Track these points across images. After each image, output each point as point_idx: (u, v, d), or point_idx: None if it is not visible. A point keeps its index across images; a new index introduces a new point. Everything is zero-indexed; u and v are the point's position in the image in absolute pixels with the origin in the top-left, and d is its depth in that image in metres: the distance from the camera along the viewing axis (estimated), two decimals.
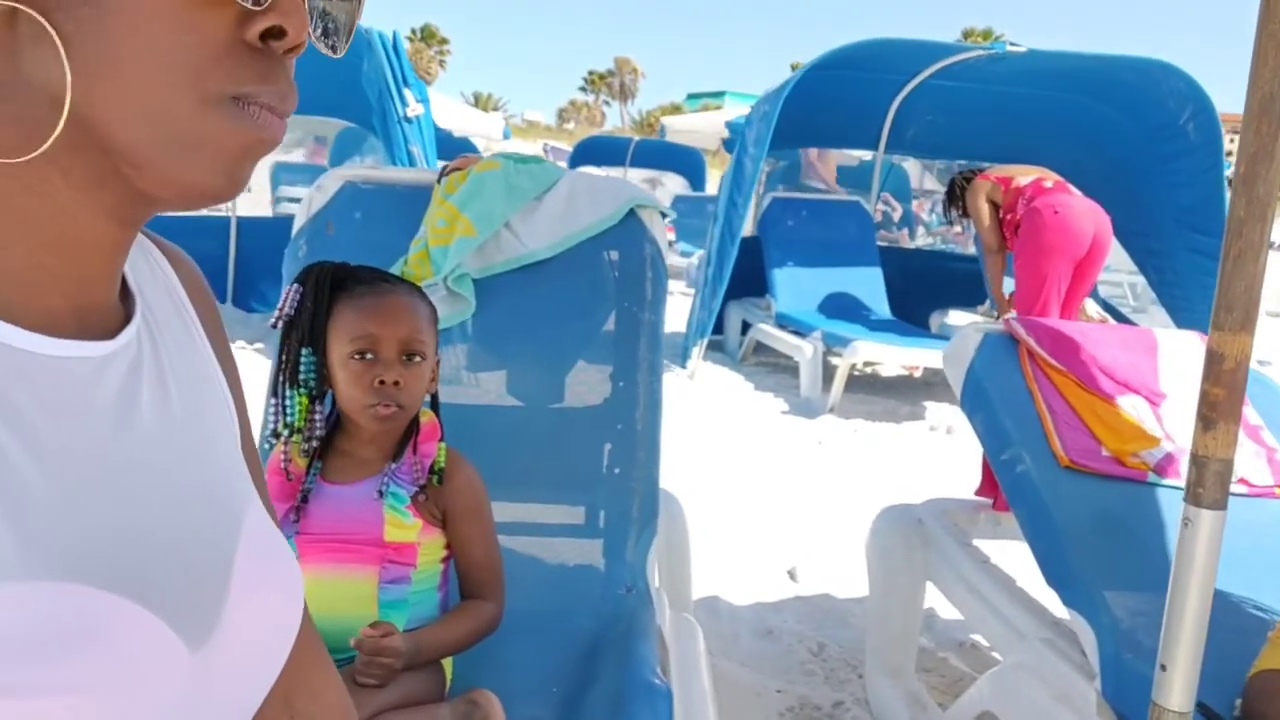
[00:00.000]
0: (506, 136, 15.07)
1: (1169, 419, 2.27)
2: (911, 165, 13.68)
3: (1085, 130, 6.09)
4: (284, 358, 1.40)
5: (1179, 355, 2.44)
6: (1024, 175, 4.58)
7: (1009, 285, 5.80)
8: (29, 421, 0.50)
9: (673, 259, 10.51)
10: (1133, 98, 5.81)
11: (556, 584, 1.96)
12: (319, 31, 0.58)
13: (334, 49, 0.59)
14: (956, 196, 4.78)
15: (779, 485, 4.14)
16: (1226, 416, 1.26)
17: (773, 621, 2.82)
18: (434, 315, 1.46)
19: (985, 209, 4.62)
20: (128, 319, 0.60)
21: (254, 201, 9.68)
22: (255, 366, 5.03)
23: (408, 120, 5.38)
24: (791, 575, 3.17)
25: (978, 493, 2.83)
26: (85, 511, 0.52)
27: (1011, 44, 5.77)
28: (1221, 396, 1.26)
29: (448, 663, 1.51)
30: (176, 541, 0.58)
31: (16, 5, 0.47)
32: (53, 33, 0.47)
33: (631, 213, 2.23)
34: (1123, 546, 2.00)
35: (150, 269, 0.67)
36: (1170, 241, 5.90)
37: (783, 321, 6.26)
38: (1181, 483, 2.13)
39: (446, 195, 2.17)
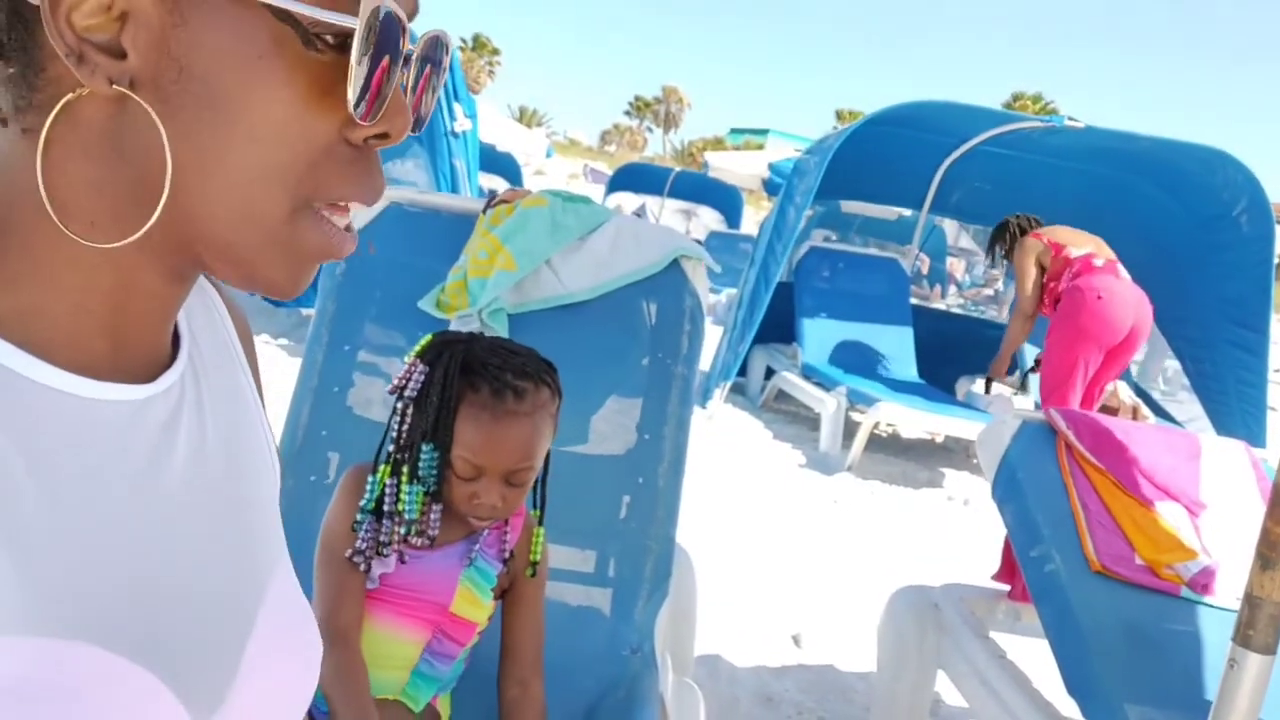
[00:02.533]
0: (549, 155, 15.12)
1: (1207, 531, 2.20)
2: (949, 224, 13.63)
3: (1136, 212, 6.03)
4: (403, 440, 1.30)
5: (1223, 464, 2.36)
6: (1078, 246, 4.47)
7: (1029, 351, 5.75)
8: (53, 465, 0.48)
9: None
10: (1187, 184, 5.74)
11: (560, 636, 1.89)
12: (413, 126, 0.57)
13: (416, 130, 0.58)
14: (1005, 240, 4.67)
15: (790, 543, 4.06)
16: None
17: (774, 688, 2.75)
18: (555, 424, 1.35)
19: (1032, 271, 4.50)
20: (174, 362, 0.58)
21: None
22: (277, 363, 5.00)
23: (454, 135, 5.37)
24: (796, 641, 3.10)
25: (995, 577, 2.75)
26: (101, 565, 0.49)
27: (1070, 119, 5.72)
28: None
29: (444, 707, 1.46)
30: (196, 601, 0.55)
31: (128, 93, 0.47)
32: (160, 127, 0.47)
33: (675, 262, 2.19)
34: (1151, 662, 1.93)
35: (207, 313, 0.66)
36: (1212, 332, 5.82)
37: (808, 372, 6.20)
38: (1216, 600, 2.07)
39: (491, 227, 2.14)
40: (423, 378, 1.28)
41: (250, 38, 0.47)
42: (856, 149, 5.98)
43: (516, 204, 2.16)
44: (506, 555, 1.39)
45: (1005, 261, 4.73)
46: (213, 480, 0.58)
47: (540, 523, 1.42)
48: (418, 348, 1.32)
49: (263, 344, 5.78)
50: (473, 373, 1.28)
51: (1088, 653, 1.93)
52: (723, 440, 5.59)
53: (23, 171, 0.49)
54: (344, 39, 0.49)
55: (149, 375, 0.55)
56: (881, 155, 6.51)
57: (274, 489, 0.67)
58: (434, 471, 1.29)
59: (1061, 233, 4.57)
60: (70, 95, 0.47)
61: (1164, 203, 5.97)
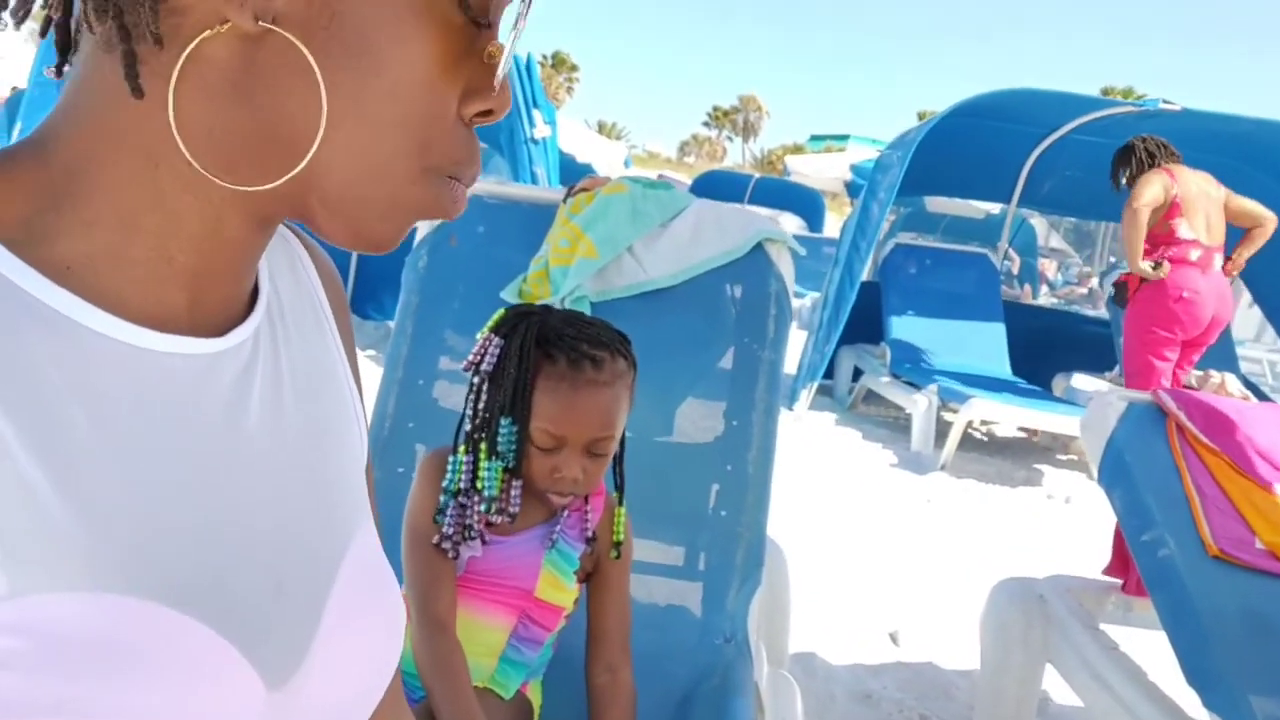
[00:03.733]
0: (627, 165, 15.18)
1: None
2: (1039, 222, 13.29)
3: None
4: (479, 416, 1.28)
5: None
6: (1191, 221, 4.29)
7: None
8: (119, 419, 0.46)
9: None
10: None
11: (651, 626, 1.86)
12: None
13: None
14: (1131, 165, 4.41)
15: (884, 541, 3.97)
16: None
17: (872, 685, 2.67)
18: (631, 395, 1.33)
19: (1144, 213, 4.27)
20: (250, 314, 0.56)
21: None
22: (365, 374, 5.06)
23: (534, 141, 5.41)
24: (893, 639, 3.01)
25: (1106, 572, 2.64)
26: (169, 522, 0.47)
27: (1165, 101, 5.51)
28: None
29: (535, 694, 1.44)
30: (269, 563, 0.52)
31: (277, 30, 0.46)
32: (316, 71, 0.46)
33: (759, 246, 2.15)
34: (1275, 650, 1.81)
35: (291, 266, 0.64)
36: None
37: (897, 371, 6.07)
38: None
39: (571, 215, 2.12)
40: (498, 351, 1.26)
41: (410, 3, 0.47)
42: (940, 142, 5.86)
43: (597, 192, 2.14)
44: (589, 535, 1.36)
45: (1128, 187, 4.44)
46: (288, 438, 0.56)
47: (620, 503, 1.38)
48: (491, 321, 1.30)
49: None
50: (549, 344, 1.25)
51: (1207, 641, 1.82)
52: (812, 442, 5.51)
53: (117, 107, 0.47)
54: (484, 9, 0.50)
55: (223, 328, 0.53)
56: (966, 148, 6.36)
57: (359, 453, 0.65)
58: (513, 446, 1.26)
59: (1188, 184, 4.31)
60: (208, 32, 0.45)
61: (1268, 185, 5.71)
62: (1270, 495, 2.08)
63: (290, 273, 0.63)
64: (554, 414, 1.24)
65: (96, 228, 0.47)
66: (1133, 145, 4.45)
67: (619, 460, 1.37)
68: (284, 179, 0.48)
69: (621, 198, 2.14)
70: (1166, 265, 4.29)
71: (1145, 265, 4.27)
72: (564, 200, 2.17)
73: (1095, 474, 2.24)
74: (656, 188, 2.23)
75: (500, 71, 0.52)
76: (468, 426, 1.30)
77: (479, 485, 1.27)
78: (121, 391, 0.47)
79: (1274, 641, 1.82)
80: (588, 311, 2.05)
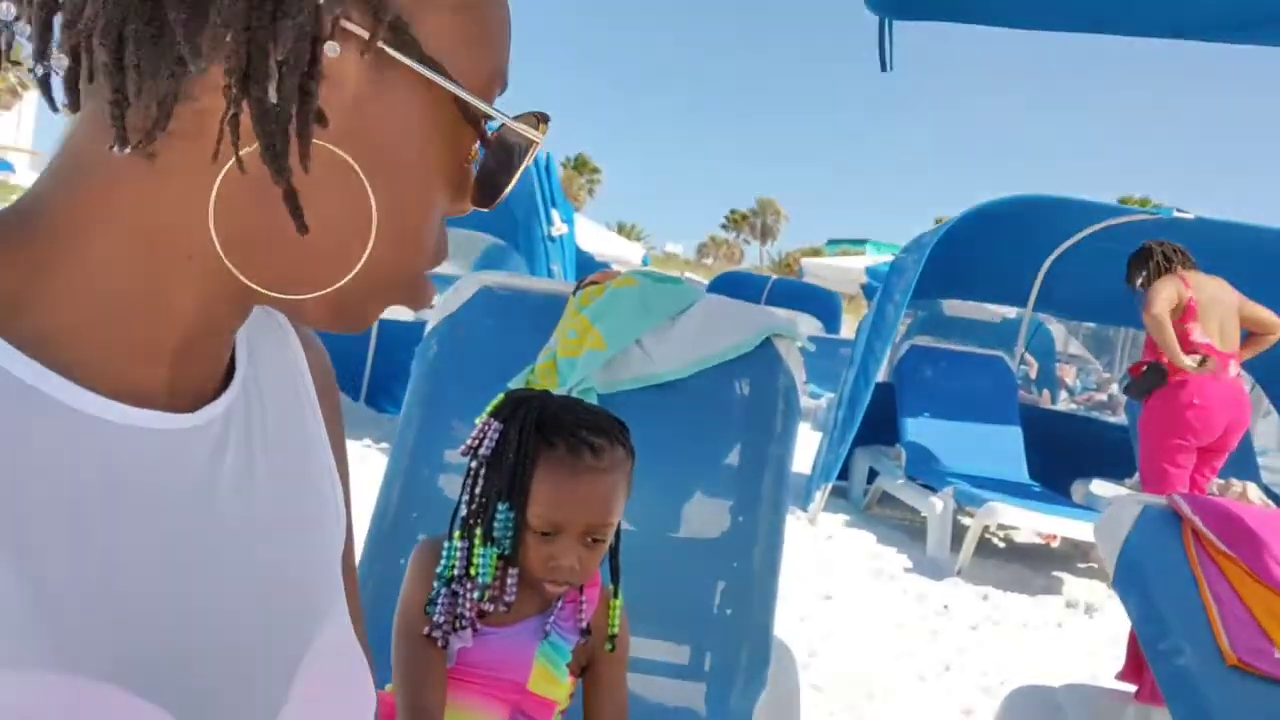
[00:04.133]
0: (645, 263, 15.37)
1: None
2: (1058, 329, 13.30)
3: None
4: (476, 501, 1.27)
5: None
6: (1204, 324, 4.30)
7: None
8: (85, 493, 0.46)
9: (802, 399, 10.35)
10: None
11: None
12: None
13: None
14: (1147, 270, 4.42)
15: (899, 650, 3.87)
16: None
17: None
18: (629, 484, 1.31)
19: (1165, 314, 4.27)
20: (223, 391, 0.56)
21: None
22: (381, 468, 5.06)
23: (551, 239, 5.49)
24: None
25: (1120, 677, 2.56)
26: (127, 599, 0.46)
27: (1179, 210, 5.56)
28: None
29: None
30: (232, 646, 0.51)
31: (334, 148, 0.48)
32: (366, 184, 0.49)
33: (767, 341, 2.15)
34: None
35: (280, 351, 0.64)
36: None
37: (913, 473, 6.01)
38: None
39: (581, 307, 2.14)
40: (497, 436, 1.25)
41: (433, 118, 0.51)
42: (955, 246, 5.91)
43: (607, 284, 2.16)
44: (584, 627, 1.33)
45: (1143, 290, 4.45)
46: (259, 518, 0.55)
47: (616, 594, 1.36)
48: (490, 407, 1.29)
49: (365, 448, 5.89)
50: (549, 429, 1.24)
51: None
52: (826, 544, 5.42)
53: (119, 185, 0.47)
54: (485, 117, 0.54)
55: (196, 403, 0.53)
56: (981, 252, 6.41)
57: (336, 538, 0.64)
58: (509, 533, 1.24)
59: (1202, 289, 4.34)
60: (254, 147, 0.46)
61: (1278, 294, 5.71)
62: None
63: (277, 351, 0.63)
64: (552, 500, 1.22)
65: (82, 300, 0.47)
66: (1149, 248, 4.48)
67: (615, 550, 1.35)
68: (334, 286, 0.50)
69: (631, 291, 2.16)
70: (1213, 360, 4.29)
71: (1189, 360, 4.27)
72: (574, 292, 2.19)
73: (1111, 579, 2.19)
74: (666, 281, 2.25)
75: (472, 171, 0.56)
76: (463, 512, 1.28)
77: (473, 571, 1.25)
78: (86, 465, 0.46)
79: None
80: (595, 403, 2.05)
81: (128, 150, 0.45)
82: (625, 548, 2.01)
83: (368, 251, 0.50)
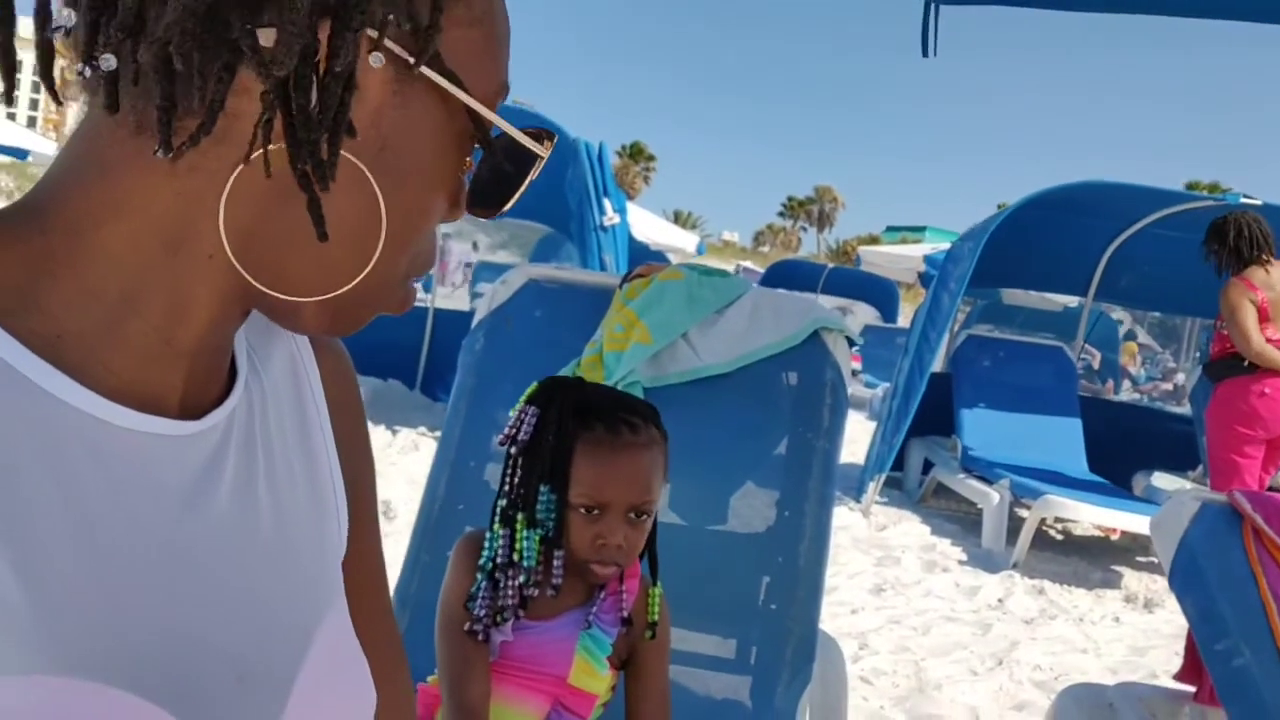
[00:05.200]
0: (700, 252, 15.31)
1: None
2: (1123, 316, 13.02)
3: None
4: (517, 489, 1.28)
5: None
6: (1276, 321, 4.20)
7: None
8: (89, 496, 0.46)
9: (856, 389, 10.25)
10: None
11: (700, 715, 1.81)
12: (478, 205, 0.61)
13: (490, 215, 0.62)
14: (1222, 257, 4.31)
15: (950, 640, 3.83)
16: None
17: None
18: (665, 467, 1.33)
19: (1247, 312, 4.20)
20: (226, 397, 0.56)
21: (453, 295, 10.11)
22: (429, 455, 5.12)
23: (603, 229, 5.49)
24: None
25: (1178, 677, 2.51)
26: (128, 602, 0.47)
27: (1246, 196, 5.40)
28: None
29: None
30: (233, 647, 0.52)
31: (350, 156, 0.49)
32: (379, 191, 0.51)
33: (815, 335, 2.14)
34: None
35: (289, 358, 0.65)
36: None
37: (969, 465, 5.93)
38: None
39: (627, 300, 2.14)
40: (535, 421, 1.26)
41: (448, 129, 0.52)
42: (1015, 234, 5.81)
43: (653, 277, 2.16)
44: (624, 617, 1.34)
45: (1215, 264, 4.34)
46: (258, 523, 0.56)
47: (655, 583, 1.36)
48: (526, 394, 1.31)
49: (417, 435, 5.96)
50: (585, 411, 1.26)
51: None
52: (879, 535, 5.38)
53: (134, 186, 0.48)
54: (489, 125, 0.55)
55: (199, 409, 0.54)
56: (1042, 240, 6.30)
57: (336, 544, 0.65)
58: (552, 515, 1.26)
59: (1274, 283, 4.22)
60: (274, 146, 0.47)
61: None
62: None
63: (280, 356, 0.63)
64: (595, 478, 1.24)
65: (96, 300, 0.48)
66: (1228, 225, 4.33)
67: (652, 540, 1.36)
68: (337, 292, 0.52)
69: (678, 284, 2.16)
70: None
71: (1270, 350, 4.17)
72: (620, 286, 2.19)
73: (1168, 577, 2.15)
74: (713, 274, 2.24)
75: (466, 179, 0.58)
76: (503, 502, 1.29)
77: (517, 556, 1.26)
78: (88, 467, 0.47)
79: None
80: (640, 397, 2.05)
81: (169, 155, 0.45)
82: (672, 541, 2.01)
83: (375, 258, 0.51)
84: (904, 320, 14.81)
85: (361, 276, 0.51)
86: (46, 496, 0.45)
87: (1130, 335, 14.14)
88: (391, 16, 0.47)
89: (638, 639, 1.36)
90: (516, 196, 0.59)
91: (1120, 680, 2.39)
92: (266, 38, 0.44)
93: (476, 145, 0.55)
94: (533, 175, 0.58)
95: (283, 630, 0.56)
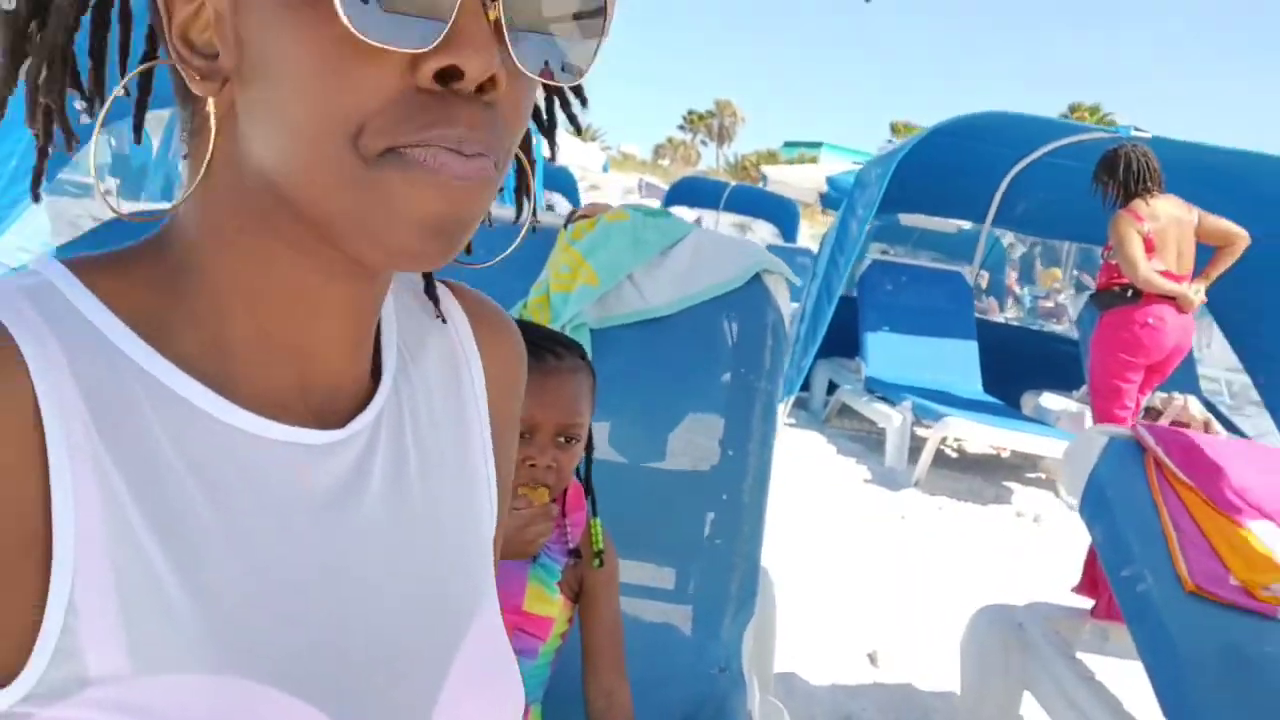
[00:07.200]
0: (605, 169, 15.17)
1: None
2: (1007, 235, 13.45)
3: None
4: None
5: None
6: (1162, 253, 4.43)
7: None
8: (237, 503, 0.49)
9: None
10: (1257, 195, 5.61)
11: (647, 653, 1.88)
12: (548, 64, 0.51)
13: (577, 76, 0.53)
14: (1110, 189, 4.52)
15: (860, 559, 4.02)
16: None
17: (851, 708, 2.72)
18: (594, 386, 1.40)
19: (1135, 245, 4.40)
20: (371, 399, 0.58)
21: None
22: None
23: None
24: (872, 659, 3.06)
25: (1077, 590, 2.70)
26: (282, 605, 0.50)
27: (1136, 129, 5.62)
28: None
29: (535, 718, 1.47)
30: (384, 647, 0.54)
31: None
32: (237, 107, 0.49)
33: (757, 277, 2.19)
34: (1250, 685, 1.88)
35: (449, 355, 0.65)
36: None
37: (872, 386, 6.14)
38: None
39: (572, 241, 2.15)
40: None
41: None
42: (918, 161, 5.93)
43: (598, 218, 2.17)
44: (571, 548, 1.41)
45: (1103, 193, 4.56)
46: (410, 517, 0.58)
47: (594, 514, 1.44)
48: None
49: None
50: None
51: (1185, 676, 1.88)
52: (787, 456, 5.55)
53: (189, 207, 0.52)
54: None
55: (340, 415, 0.55)
56: (943, 168, 6.44)
57: (488, 527, 0.66)
58: None
59: (1159, 215, 4.44)
60: (211, 110, 0.49)
61: (1234, 217, 5.84)
62: (1244, 532, 2.14)
63: (444, 354, 0.65)
64: (524, 400, 1.29)
65: (204, 319, 0.51)
66: (1118, 159, 4.52)
67: (589, 474, 1.44)
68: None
69: (623, 225, 2.17)
70: (1200, 288, 4.48)
71: (1157, 278, 4.38)
72: (565, 226, 2.20)
73: (1078, 505, 2.30)
74: (657, 216, 2.26)
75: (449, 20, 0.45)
76: None
77: None
78: (238, 477, 0.49)
79: (1249, 677, 1.88)
80: (587, 339, 2.08)
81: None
82: (621, 479, 2.07)
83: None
84: (803, 240, 15.03)
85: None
86: (200, 508, 0.47)
87: (1028, 257, 14.67)
88: None
89: (586, 569, 1.43)
90: None
91: (1019, 596, 2.56)
92: None
93: None
94: None
95: (434, 625, 0.58)
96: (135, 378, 0.47)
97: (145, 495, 0.45)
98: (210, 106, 0.50)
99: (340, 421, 0.55)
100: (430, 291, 0.66)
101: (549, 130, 0.72)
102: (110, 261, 0.51)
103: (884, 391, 6.00)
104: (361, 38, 0.44)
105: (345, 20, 0.43)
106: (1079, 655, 2.32)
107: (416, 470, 0.59)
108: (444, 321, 0.66)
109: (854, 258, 6.07)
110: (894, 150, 6.14)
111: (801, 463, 5.44)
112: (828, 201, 14.18)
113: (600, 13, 0.53)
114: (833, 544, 4.15)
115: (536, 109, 0.68)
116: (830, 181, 13.12)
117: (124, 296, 0.49)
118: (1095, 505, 2.24)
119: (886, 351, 6.40)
